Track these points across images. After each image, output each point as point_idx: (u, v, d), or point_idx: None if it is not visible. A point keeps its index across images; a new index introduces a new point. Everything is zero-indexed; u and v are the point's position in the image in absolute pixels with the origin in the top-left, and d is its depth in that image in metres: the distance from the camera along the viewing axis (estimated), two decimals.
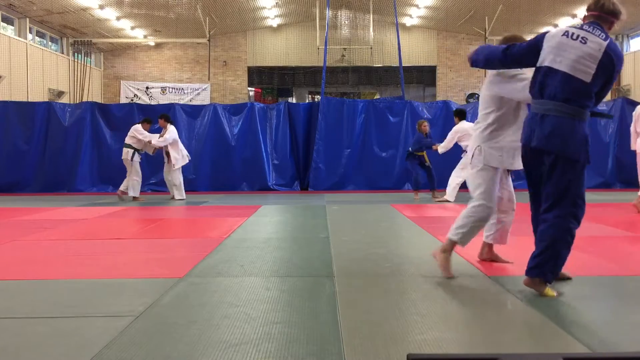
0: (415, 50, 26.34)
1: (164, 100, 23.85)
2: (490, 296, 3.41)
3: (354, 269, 4.21)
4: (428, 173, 10.73)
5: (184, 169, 12.39)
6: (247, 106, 13.06)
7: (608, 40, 3.31)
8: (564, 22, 22.70)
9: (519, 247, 4.64)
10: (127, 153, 10.37)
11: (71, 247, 5.19)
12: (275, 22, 26.13)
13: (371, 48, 25.06)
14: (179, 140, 10.54)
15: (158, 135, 10.42)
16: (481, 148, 3.95)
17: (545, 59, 3.41)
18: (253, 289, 3.59)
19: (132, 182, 10.34)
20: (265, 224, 6.87)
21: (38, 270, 4.20)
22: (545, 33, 3.51)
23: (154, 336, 2.67)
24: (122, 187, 10.46)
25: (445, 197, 10.08)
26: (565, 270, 4.10)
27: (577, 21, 22.16)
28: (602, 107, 13.05)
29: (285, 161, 12.85)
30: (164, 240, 5.77)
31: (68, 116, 12.72)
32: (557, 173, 3.38)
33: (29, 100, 17.34)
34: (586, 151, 3.42)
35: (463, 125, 10.07)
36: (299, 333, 2.69)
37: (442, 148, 10.20)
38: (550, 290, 3.35)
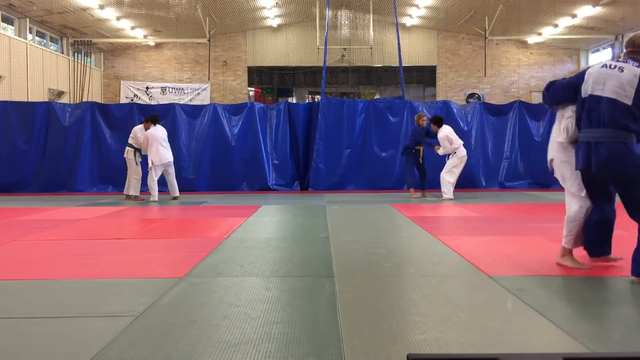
0: (415, 50, 26.34)
1: (164, 100, 23.86)
2: (490, 296, 3.41)
3: (354, 269, 4.21)
4: (422, 172, 10.74)
5: (184, 169, 12.41)
6: (247, 106, 13.05)
7: None
8: (564, 22, 22.70)
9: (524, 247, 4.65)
10: (127, 152, 10.44)
11: (71, 247, 5.19)
12: (275, 22, 26.13)
13: (371, 48, 25.07)
14: (153, 142, 10.17)
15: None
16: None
17: (588, 89, 3.80)
18: (253, 289, 3.59)
19: (132, 182, 10.38)
20: (265, 224, 6.87)
21: (38, 270, 4.20)
22: (585, 70, 3.98)
23: (154, 336, 2.67)
24: (132, 192, 10.47)
25: (448, 197, 10.11)
26: (564, 269, 4.11)
27: (577, 21, 22.18)
28: None
29: (285, 161, 12.84)
30: (164, 240, 5.77)
31: (68, 116, 12.71)
32: (626, 189, 3.84)
33: (29, 100, 17.35)
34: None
35: (446, 129, 10.24)
36: (299, 333, 2.69)
37: (442, 151, 10.27)
38: None
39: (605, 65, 3.82)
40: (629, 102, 3.61)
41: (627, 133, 3.62)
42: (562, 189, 4.46)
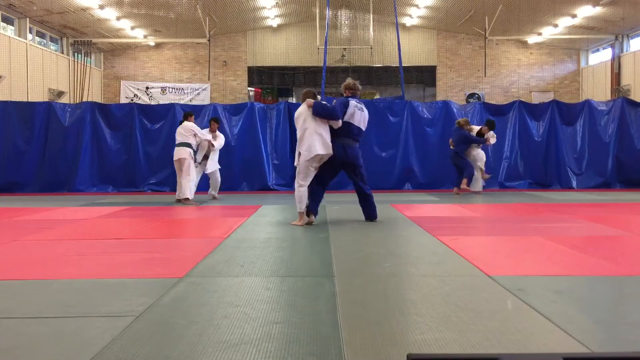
0: (415, 50, 26.34)
1: (164, 100, 23.87)
2: (490, 296, 3.41)
3: (354, 269, 4.21)
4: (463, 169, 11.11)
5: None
6: (247, 106, 13.05)
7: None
8: (564, 22, 22.71)
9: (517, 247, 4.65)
10: (187, 153, 9.62)
11: (71, 247, 5.19)
12: (275, 22, 26.13)
13: (371, 48, 25.07)
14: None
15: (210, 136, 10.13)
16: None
17: (349, 119, 6.69)
18: (253, 289, 3.59)
19: (190, 184, 9.70)
20: (265, 224, 6.88)
21: (38, 270, 4.20)
22: (348, 101, 6.73)
23: (154, 336, 2.67)
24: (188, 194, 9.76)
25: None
26: (564, 269, 4.11)
27: (577, 21, 22.19)
28: (602, 107, 13.07)
29: (285, 161, 12.83)
30: (164, 240, 5.77)
31: (68, 116, 12.72)
32: (354, 170, 7.00)
33: (29, 100, 17.35)
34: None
35: None
36: (299, 333, 2.69)
37: (493, 141, 11.29)
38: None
39: (356, 106, 6.70)
40: (363, 127, 6.88)
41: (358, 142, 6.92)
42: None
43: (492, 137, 11.21)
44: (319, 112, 6.53)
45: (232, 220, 7.02)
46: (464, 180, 10.82)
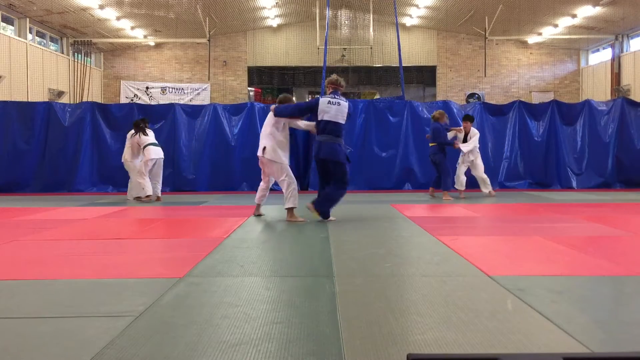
0: (415, 50, 26.35)
1: (164, 100, 23.87)
2: (490, 296, 3.41)
3: (354, 269, 4.21)
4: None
5: (184, 169, 12.45)
6: (247, 106, 13.05)
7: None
8: (564, 22, 22.71)
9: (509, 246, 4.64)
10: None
11: (71, 247, 5.19)
12: (275, 22, 26.14)
13: (371, 48, 25.07)
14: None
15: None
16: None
17: (324, 116, 6.69)
18: (253, 289, 3.59)
19: (159, 183, 10.38)
20: (265, 224, 6.88)
21: (38, 270, 4.20)
22: (318, 99, 6.82)
23: (154, 336, 2.67)
24: (157, 192, 10.30)
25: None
26: (564, 269, 4.12)
27: (577, 21, 22.19)
28: (602, 107, 13.07)
29: None
30: (164, 240, 5.77)
31: (68, 116, 12.71)
32: (334, 168, 6.75)
33: (29, 100, 17.35)
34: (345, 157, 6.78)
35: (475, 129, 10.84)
36: (299, 333, 2.69)
37: (468, 148, 10.54)
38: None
39: (330, 102, 6.64)
40: (342, 121, 6.68)
41: (339, 138, 6.69)
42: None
43: (463, 145, 10.50)
44: (282, 112, 6.91)
45: (232, 220, 7.02)
46: (445, 192, 10.25)
